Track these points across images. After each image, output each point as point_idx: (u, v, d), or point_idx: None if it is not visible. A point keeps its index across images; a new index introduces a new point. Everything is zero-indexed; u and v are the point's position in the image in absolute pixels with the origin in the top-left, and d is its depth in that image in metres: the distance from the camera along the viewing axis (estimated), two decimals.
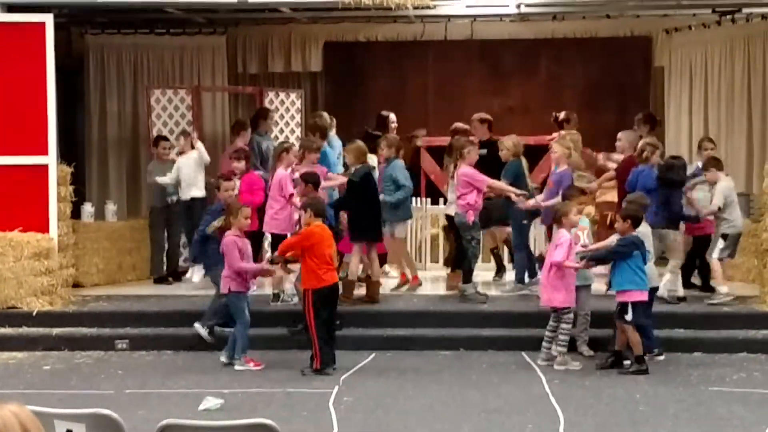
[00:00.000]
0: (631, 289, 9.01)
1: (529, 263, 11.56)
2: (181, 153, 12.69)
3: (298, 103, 14.67)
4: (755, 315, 10.51)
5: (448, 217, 11.62)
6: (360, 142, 11.38)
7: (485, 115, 12.82)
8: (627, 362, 9.12)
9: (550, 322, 9.37)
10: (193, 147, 12.61)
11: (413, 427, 7.35)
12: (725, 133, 14.23)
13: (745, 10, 13.58)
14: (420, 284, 11.91)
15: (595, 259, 9.32)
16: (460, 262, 11.41)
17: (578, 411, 7.72)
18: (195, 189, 12.41)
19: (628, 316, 8.98)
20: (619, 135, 12.04)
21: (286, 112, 14.43)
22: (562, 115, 13.33)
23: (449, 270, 12.04)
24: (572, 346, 9.52)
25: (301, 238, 9.35)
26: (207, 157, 12.58)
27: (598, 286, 10.34)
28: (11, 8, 11.43)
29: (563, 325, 9.28)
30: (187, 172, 12.42)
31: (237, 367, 9.33)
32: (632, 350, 9.05)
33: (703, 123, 14.52)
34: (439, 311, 10.83)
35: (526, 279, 11.51)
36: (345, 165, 11.79)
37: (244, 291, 9.56)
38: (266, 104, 14.21)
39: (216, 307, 10.08)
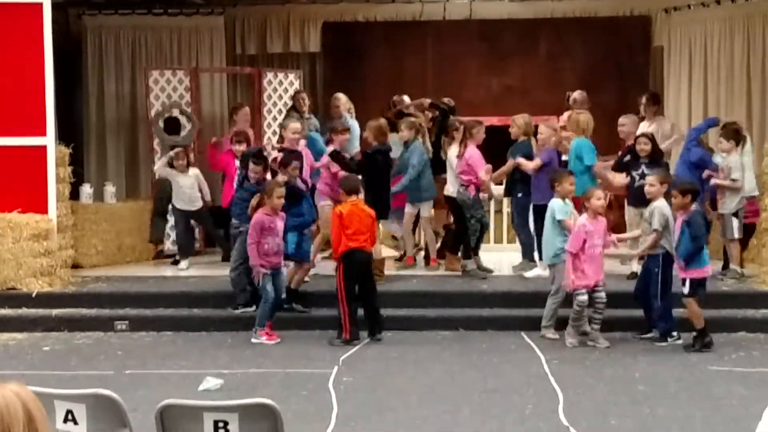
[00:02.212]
0: (693, 267, 9.11)
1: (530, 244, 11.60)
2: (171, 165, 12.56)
3: (297, 84, 14.64)
4: (754, 294, 10.54)
5: (447, 198, 11.63)
6: (382, 120, 11.46)
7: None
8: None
9: None
10: (189, 165, 12.50)
11: (413, 407, 7.37)
12: (725, 112, 14.18)
13: None
14: (414, 264, 12.04)
15: (689, 256, 9.14)
16: (458, 242, 11.50)
17: (577, 391, 7.75)
18: (196, 203, 12.37)
19: (685, 290, 9.10)
20: (623, 120, 12.04)
21: (285, 92, 14.40)
22: (573, 94, 13.18)
23: (448, 253, 12.07)
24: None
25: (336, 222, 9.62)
26: (206, 189, 12.54)
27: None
28: None
29: (574, 306, 9.36)
30: (190, 191, 12.33)
31: (252, 340, 9.60)
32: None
33: (703, 102, 14.50)
34: (438, 291, 10.83)
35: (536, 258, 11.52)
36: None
37: (268, 268, 9.68)
38: (265, 85, 14.19)
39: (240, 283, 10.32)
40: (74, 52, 15.06)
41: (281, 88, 14.41)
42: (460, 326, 10.10)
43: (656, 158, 10.94)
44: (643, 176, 10.60)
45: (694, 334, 9.24)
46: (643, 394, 7.67)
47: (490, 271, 11.56)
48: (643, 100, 12.85)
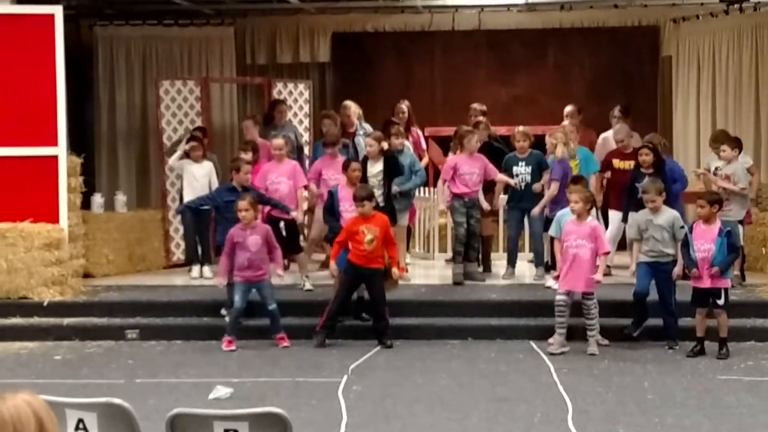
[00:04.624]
0: (728, 276, 9.35)
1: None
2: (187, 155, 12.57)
3: (307, 94, 14.71)
4: (763, 303, 10.52)
5: None
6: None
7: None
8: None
9: None
10: (205, 156, 12.48)
11: (422, 416, 7.39)
12: (733, 122, 14.21)
13: None
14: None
15: (727, 266, 9.30)
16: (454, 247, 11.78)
17: (586, 400, 7.76)
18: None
19: (721, 301, 9.17)
20: (621, 134, 12.05)
21: (294, 102, 14.47)
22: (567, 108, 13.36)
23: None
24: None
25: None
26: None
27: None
28: (21, 0, 11.48)
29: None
30: (202, 183, 12.27)
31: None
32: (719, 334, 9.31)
33: (711, 112, 14.52)
34: (447, 301, 10.85)
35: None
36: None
37: (241, 280, 9.78)
38: (275, 95, 14.24)
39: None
40: (86, 62, 15.16)
41: (291, 98, 14.46)
42: (469, 335, 10.11)
43: (659, 168, 10.98)
44: None
45: (705, 343, 9.36)
46: (651, 403, 7.68)
47: (481, 280, 11.62)
48: (616, 112, 12.94)
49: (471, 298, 10.94)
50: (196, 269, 12.32)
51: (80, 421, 4.20)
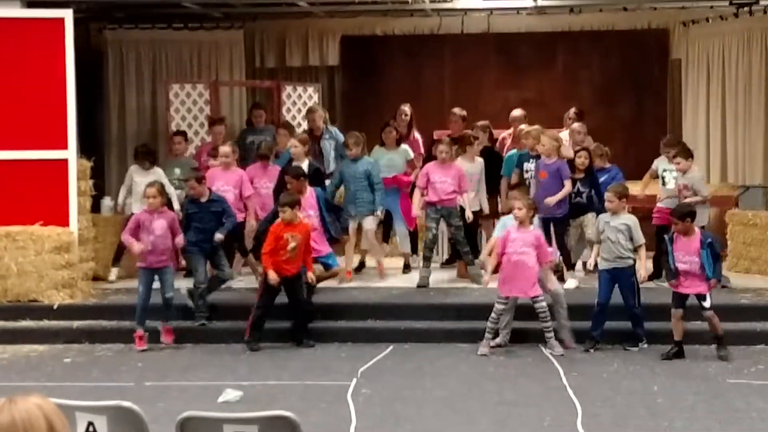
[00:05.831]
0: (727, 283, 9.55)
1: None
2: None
3: (316, 97, 14.72)
4: None
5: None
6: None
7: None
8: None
9: None
10: (154, 164, 12.37)
11: (431, 420, 7.39)
12: (743, 125, 14.19)
13: (763, 2, 13.54)
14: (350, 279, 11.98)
15: (720, 272, 9.43)
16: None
17: (596, 403, 7.75)
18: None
19: (707, 304, 9.21)
20: (583, 131, 12.15)
21: (304, 106, 14.48)
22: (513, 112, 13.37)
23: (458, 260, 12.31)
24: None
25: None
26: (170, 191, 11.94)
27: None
28: (31, 4, 11.52)
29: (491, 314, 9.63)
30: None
31: None
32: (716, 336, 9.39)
33: (721, 115, 14.49)
34: (456, 304, 10.85)
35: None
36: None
37: (143, 266, 9.95)
38: (284, 98, 14.27)
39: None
40: (96, 65, 15.20)
41: (300, 101, 14.49)
42: (478, 339, 10.07)
43: (591, 172, 11.08)
44: (579, 193, 11.20)
45: (715, 345, 9.43)
46: (661, 407, 7.67)
47: (477, 283, 11.55)
48: (571, 113, 12.93)
49: (480, 301, 10.90)
50: (114, 271, 12.33)
51: (90, 424, 4.20)
